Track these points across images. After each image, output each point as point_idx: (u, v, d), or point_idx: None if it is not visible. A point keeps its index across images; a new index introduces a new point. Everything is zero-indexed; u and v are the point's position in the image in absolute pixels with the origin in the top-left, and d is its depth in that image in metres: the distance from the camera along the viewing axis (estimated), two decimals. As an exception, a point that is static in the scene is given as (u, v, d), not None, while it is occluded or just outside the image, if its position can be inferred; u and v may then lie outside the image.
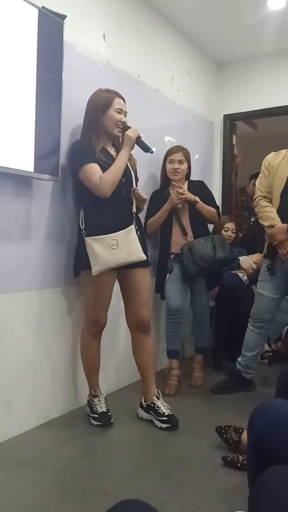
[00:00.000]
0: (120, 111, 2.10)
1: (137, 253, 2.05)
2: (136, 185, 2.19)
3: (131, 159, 2.21)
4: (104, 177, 2.00)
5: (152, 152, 2.16)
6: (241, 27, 3.05)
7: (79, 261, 2.11)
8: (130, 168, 2.15)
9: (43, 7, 1.89)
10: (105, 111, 2.08)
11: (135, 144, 2.11)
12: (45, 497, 1.53)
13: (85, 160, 2.02)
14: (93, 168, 2.01)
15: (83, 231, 2.06)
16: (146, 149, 2.14)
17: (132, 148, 2.11)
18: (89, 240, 2.02)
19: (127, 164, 2.12)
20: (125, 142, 2.08)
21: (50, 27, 1.92)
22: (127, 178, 2.11)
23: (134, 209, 2.12)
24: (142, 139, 2.13)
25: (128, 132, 2.08)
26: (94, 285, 2.07)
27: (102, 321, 2.15)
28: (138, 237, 2.07)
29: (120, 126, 2.10)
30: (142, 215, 2.39)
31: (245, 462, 1.62)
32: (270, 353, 3.01)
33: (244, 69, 3.57)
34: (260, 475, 0.91)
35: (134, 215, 2.11)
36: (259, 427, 1.08)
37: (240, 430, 1.83)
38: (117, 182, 2.03)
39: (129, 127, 2.11)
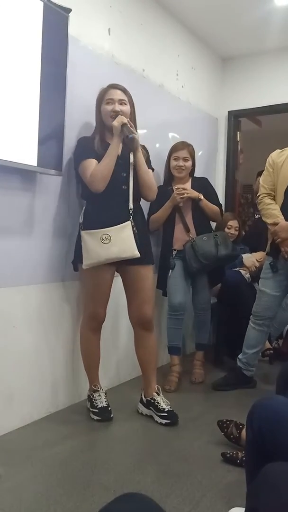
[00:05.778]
0: (110, 101, 2.06)
1: (131, 250, 2.00)
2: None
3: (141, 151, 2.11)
4: (93, 172, 1.98)
5: (130, 138, 1.97)
6: (247, 22, 3.03)
7: (77, 254, 2.11)
8: (131, 162, 2.08)
9: (48, 0, 1.88)
10: (100, 107, 2.09)
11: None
12: (45, 490, 1.54)
13: (84, 156, 2.02)
14: (89, 164, 2.00)
15: (81, 225, 2.07)
16: (126, 135, 1.98)
17: (120, 136, 2.01)
18: (83, 233, 2.03)
19: (128, 158, 2.07)
20: (113, 133, 2.01)
21: (55, 21, 1.91)
22: (128, 173, 2.08)
23: (131, 206, 2.07)
24: (128, 125, 1.98)
25: (114, 122, 2.00)
26: (91, 280, 2.08)
27: (100, 316, 2.15)
28: (135, 233, 2.03)
29: (113, 117, 2.04)
30: (145, 210, 2.37)
31: (244, 458, 1.62)
32: (271, 351, 3.01)
33: (249, 65, 3.55)
34: (258, 471, 0.91)
35: (131, 212, 2.06)
36: (258, 424, 1.08)
37: (240, 426, 1.83)
38: (108, 176, 1.99)
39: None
